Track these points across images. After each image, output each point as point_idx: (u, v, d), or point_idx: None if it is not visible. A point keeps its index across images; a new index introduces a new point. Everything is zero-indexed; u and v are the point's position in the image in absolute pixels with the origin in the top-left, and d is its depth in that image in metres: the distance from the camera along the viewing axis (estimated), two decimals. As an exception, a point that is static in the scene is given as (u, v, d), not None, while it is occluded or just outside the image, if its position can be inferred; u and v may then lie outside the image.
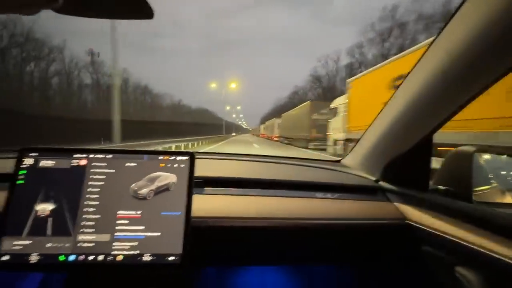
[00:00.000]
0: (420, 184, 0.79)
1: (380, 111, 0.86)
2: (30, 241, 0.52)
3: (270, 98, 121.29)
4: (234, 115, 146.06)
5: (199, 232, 0.63)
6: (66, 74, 35.14)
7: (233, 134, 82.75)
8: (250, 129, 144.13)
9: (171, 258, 0.56)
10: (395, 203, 0.81)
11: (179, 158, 0.64)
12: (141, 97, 52.73)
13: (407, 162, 0.81)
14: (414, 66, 0.69)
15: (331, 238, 0.79)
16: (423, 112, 0.70)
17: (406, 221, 0.74)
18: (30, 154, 0.57)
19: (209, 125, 55.82)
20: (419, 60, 0.67)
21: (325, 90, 44.83)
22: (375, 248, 0.83)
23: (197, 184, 0.71)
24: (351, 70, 35.90)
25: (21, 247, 0.52)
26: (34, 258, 0.51)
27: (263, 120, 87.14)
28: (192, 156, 0.64)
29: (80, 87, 37.54)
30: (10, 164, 0.57)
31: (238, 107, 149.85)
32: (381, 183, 0.89)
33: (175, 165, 0.63)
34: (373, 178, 0.91)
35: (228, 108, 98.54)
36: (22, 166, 0.56)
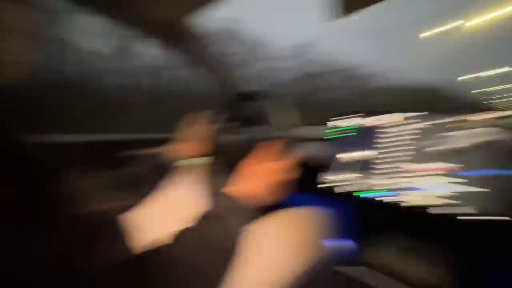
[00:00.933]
0: None
1: None
2: (335, 177, 0.74)
3: None
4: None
5: None
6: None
7: None
8: None
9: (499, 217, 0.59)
10: None
11: None
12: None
13: None
14: None
15: None
16: None
17: None
18: (338, 117, 0.77)
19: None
20: None
21: None
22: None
23: None
24: None
25: (332, 179, 0.75)
26: (338, 188, 0.73)
27: None
28: None
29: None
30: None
31: None
32: None
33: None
34: None
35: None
36: (330, 125, 0.76)
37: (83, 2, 0.70)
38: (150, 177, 0.71)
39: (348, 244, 0.99)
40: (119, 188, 0.63)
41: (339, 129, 0.82)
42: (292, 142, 0.76)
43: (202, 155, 0.76)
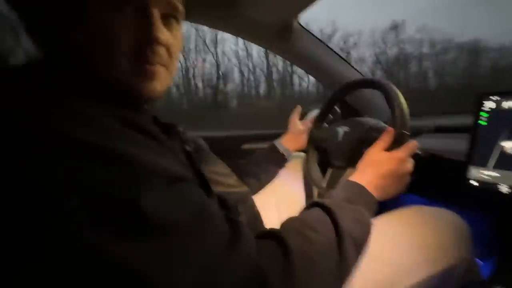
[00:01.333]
0: None
1: None
2: (498, 174, 0.57)
3: None
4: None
5: None
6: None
7: None
8: None
9: None
10: None
11: None
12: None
13: None
14: None
15: None
16: None
17: None
18: (491, 98, 0.62)
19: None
20: None
21: None
22: None
23: None
24: None
25: (488, 177, 0.58)
26: (504, 188, 0.55)
27: None
28: None
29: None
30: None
31: None
32: None
33: None
34: None
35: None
36: (482, 108, 0.61)
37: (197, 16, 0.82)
38: (266, 168, 0.79)
39: (486, 261, 0.76)
40: (238, 174, 0.72)
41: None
42: (417, 132, 0.64)
43: (311, 148, 0.77)
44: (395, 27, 10.52)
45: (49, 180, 0.22)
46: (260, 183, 0.78)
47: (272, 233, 0.35)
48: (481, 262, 0.76)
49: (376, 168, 0.49)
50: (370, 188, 0.47)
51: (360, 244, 0.40)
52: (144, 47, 0.33)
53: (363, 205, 0.44)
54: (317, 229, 0.37)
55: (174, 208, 0.26)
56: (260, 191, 0.78)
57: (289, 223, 0.39)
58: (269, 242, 0.34)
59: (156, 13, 0.33)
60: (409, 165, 0.51)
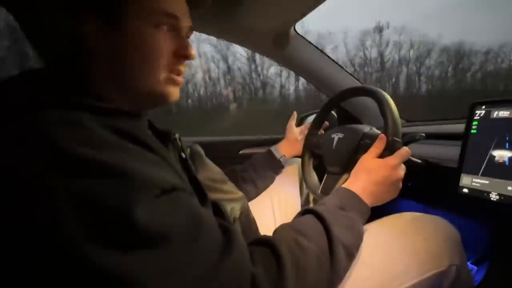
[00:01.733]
0: None
1: None
2: (487, 181, 0.58)
3: None
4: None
5: None
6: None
7: None
8: None
9: None
10: None
11: None
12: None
13: None
14: None
15: None
16: None
17: None
18: (482, 107, 0.62)
19: None
20: None
21: None
22: None
23: None
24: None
25: (479, 184, 0.58)
26: (494, 196, 0.56)
27: None
28: None
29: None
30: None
31: None
32: None
33: None
34: None
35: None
36: (474, 118, 0.62)
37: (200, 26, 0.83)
38: (262, 174, 0.79)
39: (476, 268, 0.77)
40: (235, 180, 0.73)
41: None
42: (411, 138, 0.65)
43: (306, 154, 0.78)
44: (377, 29, 10.55)
45: (44, 191, 0.23)
46: (257, 189, 0.78)
47: (264, 240, 0.36)
48: (475, 268, 0.77)
49: (368, 175, 0.50)
50: (363, 195, 0.48)
51: (351, 252, 0.41)
52: (179, 61, 0.39)
53: (355, 212, 0.45)
54: (309, 237, 0.38)
55: (168, 219, 0.26)
56: (257, 197, 0.79)
57: (281, 231, 0.39)
58: (262, 249, 0.34)
59: (184, 32, 0.40)
60: (401, 172, 0.52)
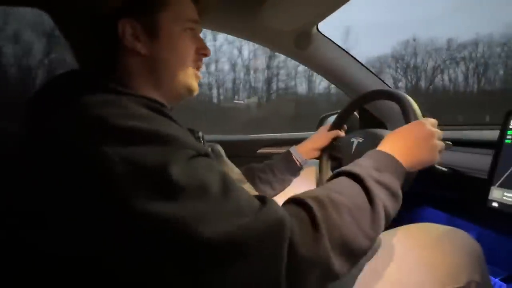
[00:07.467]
0: None
1: None
2: None
3: None
4: None
5: None
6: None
7: None
8: None
9: None
10: None
11: None
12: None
13: None
14: None
15: None
16: None
17: None
18: None
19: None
20: None
21: None
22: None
23: None
24: None
25: (510, 199, 0.55)
26: None
27: None
28: None
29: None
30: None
31: None
32: None
33: None
34: None
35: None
36: (509, 127, 0.59)
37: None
38: (280, 176, 0.79)
39: (506, 286, 0.71)
40: (252, 179, 0.74)
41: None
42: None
43: (325, 156, 0.77)
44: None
45: (99, 158, 0.27)
46: (274, 191, 0.78)
47: (296, 198, 0.37)
48: (504, 285, 0.72)
49: (401, 139, 0.48)
50: (398, 156, 0.45)
51: (390, 215, 0.40)
52: (199, 58, 0.48)
53: (391, 173, 0.42)
54: (345, 194, 0.37)
55: (203, 176, 0.30)
56: (273, 198, 0.79)
57: (313, 190, 0.39)
58: (294, 206, 0.35)
59: (199, 32, 0.49)
60: (436, 136, 0.48)
